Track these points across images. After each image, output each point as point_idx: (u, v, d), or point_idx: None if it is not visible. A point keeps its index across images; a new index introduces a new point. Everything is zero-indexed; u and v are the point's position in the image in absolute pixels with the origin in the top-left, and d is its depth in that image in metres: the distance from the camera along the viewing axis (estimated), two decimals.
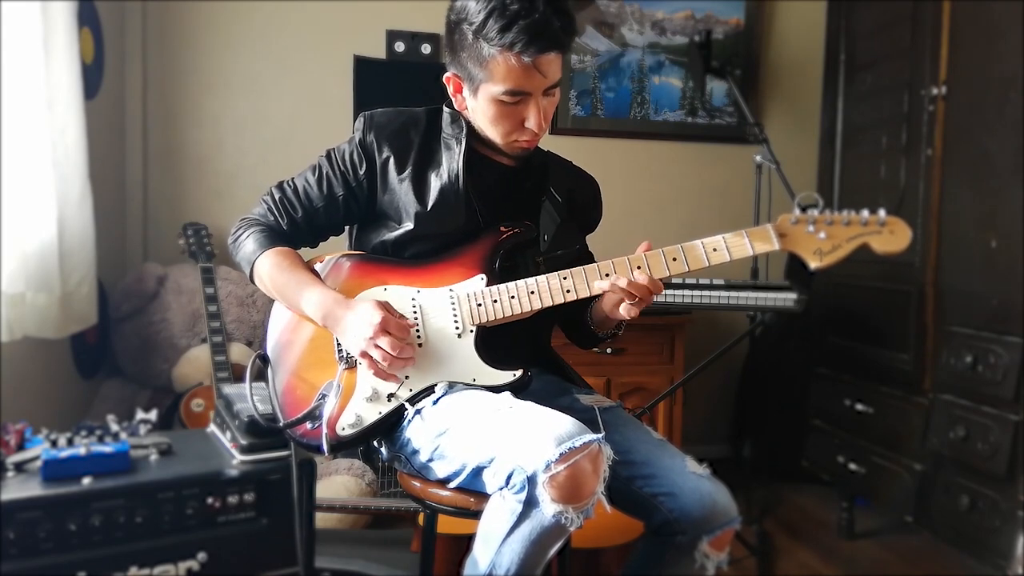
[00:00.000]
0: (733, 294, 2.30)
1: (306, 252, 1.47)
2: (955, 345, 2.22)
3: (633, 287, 1.26)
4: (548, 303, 1.32)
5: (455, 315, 1.35)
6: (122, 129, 2.80)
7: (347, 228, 1.52)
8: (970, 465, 2.12)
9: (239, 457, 1.43)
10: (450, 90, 1.41)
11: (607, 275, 1.30)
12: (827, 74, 3.01)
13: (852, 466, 2.56)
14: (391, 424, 1.33)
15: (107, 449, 1.35)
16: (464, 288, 1.36)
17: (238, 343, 2.58)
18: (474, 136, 1.42)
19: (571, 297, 1.31)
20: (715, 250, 1.27)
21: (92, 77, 2.48)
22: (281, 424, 1.34)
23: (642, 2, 3.19)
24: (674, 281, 2.27)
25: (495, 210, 1.42)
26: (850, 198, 2.82)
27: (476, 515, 1.22)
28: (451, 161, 1.39)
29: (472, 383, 1.32)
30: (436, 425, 1.27)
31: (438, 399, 1.30)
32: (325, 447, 1.30)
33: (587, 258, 1.49)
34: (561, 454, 1.10)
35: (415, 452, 1.31)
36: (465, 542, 1.24)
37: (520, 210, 1.44)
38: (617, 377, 2.69)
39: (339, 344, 1.36)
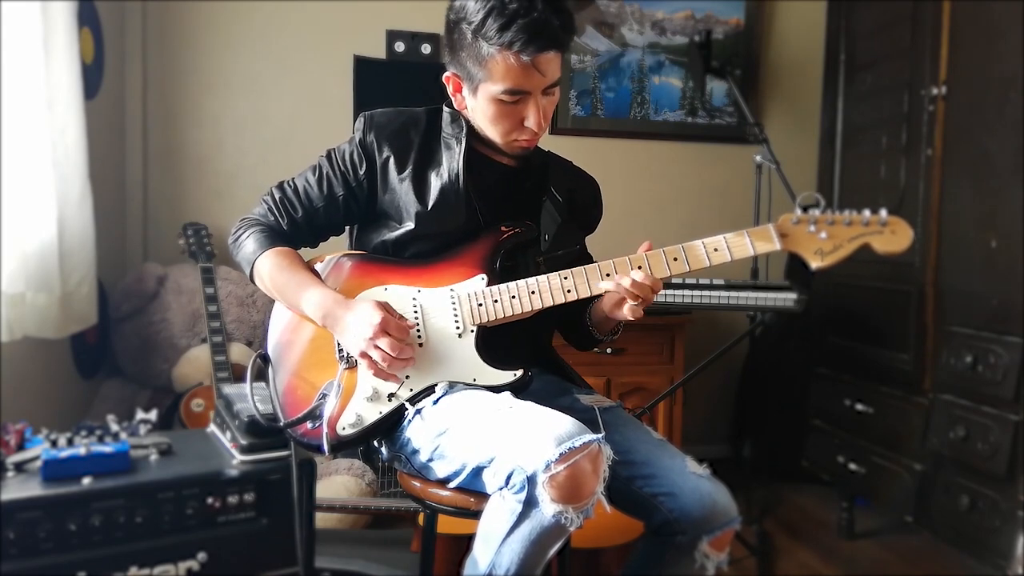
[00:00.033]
0: (733, 294, 2.30)
1: (306, 252, 1.47)
2: (955, 345, 2.22)
3: (636, 287, 1.26)
4: (549, 303, 1.32)
5: (456, 315, 1.35)
6: (122, 129, 2.80)
7: (347, 228, 1.52)
8: (970, 465, 2.12)
9: (239, 457, 1.43)
10: (450, 89, 1.41)
11: (608, 275, 1.30)
12: (827, 74, 3.01)
13: (852, 466, 2.56)
14: (391, 424, 1.33)
15: (107, 449, 1.35)
16: (465, 288, 1.36)
17: (238, 343, 2.58)
18: (474, 136, 1.42)
19: (572, 297, 1.31)
20: (716, 250, 1.27)
21: (92, 77, 2.48)
22: (282, 424, 1.34)
23: (642, 2, 3.19)
24: (674, 281, 2.27)
25: (495, 210, 1.42)
26: (850, 198, 2.82)
27: (476, 515, 1.22)
28: (451, 161, 1.39)
29: (472, 383, 1.32)
30: (436, 425, 1.27)
31: (438, 399, 1.30)
32: (325, 447, 1.30)
33: (586, 259, 1.49)
34: (561, 454, 1.10)
35: (415, 452, 1.31)
36: (465, 542, 1.24)
37: (520, 210, 1.44)
38: (617, 377, 2.69)
39: (340, 344, 1.36)
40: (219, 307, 2.53)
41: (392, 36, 2.95)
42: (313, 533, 1.49)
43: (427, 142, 1.42)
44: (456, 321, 1.35)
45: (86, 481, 1.30)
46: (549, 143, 1.52)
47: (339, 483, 2.31)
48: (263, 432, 1.43)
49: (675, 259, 1.28)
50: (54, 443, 1.38)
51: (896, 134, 2.55)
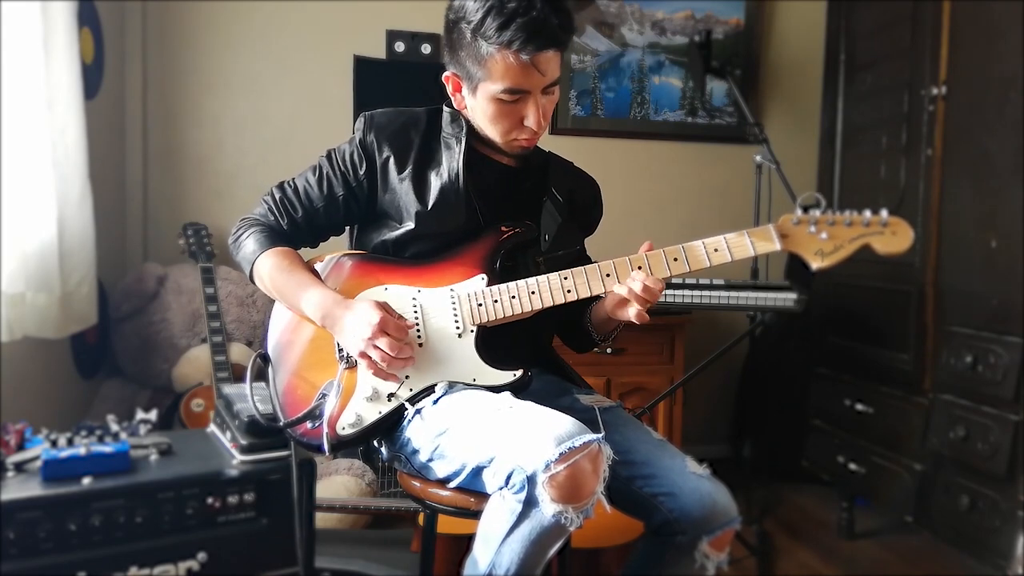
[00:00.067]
0: (733, 294, 2.30)
1: (306, 252, 1.47)
2: (955, 345, 2.22)
3: (647, 292, 1.26)
4: (549, 303, 1.32)
5: (456, 315, 1.35)
6: (122, 129, 2.80)
7: (347, 228, 1.52)
8: (970, 465, 2.12)
9: (239, 457, 1.43)
10: (449, 89, 1.41)
11: (608, 275, 1.30)
12: (827, 74, 3.01)
13: (852, 466, 2.56)
14: (391, 424, 1.33)
15: (107, 449, 1.35)
16: (465, 288, 1.36)
17: (238, 343, 2.58)
18: (474, 135, 1.42)
19: (572, 297, 1.31)
20: (716, 250, 1.27)
21: (92, 77, 2.48)
22: (281, 423, 1.34)
23: (642, 2, 3.19)
24: (674, 281, 2.27)
25: (495, 209, 1.42)
26: (850, 198, 2.82)
27: (476, 515, 1.22)
28: (451, 160, 1.39)
29: (472, 383, 1.32)
30: (436, 425, 1.27)
31: (438, 399, 1.30)
32: (325, 446, 1.30)
33: (586, 260, 1.49)
34: (561, 454, 1.10)
35: (415, 452, 1.31)
36: (465, 542, 1.24)
37: (520, 210, 1.44)
38: (617, 377, 2.69)
39: (339, 344, 1.36)
40: (219, 307, 2.53)
41: (392, 36, 2.95)
42: (313, 533, 1.49)
43: (427, 142, 1.42)
44: (456, 321, 1.35)
45: (86, 481, 1.30)
46: (549, 143, 1.52)
47: (339, 483, 2.31)
48: (263, 432, 1.43)
49: (675, 259, 1.28)
50: (54, 443, 1.38)
51: (896, 134, 2.55)
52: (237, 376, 2.44)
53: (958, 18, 2.30)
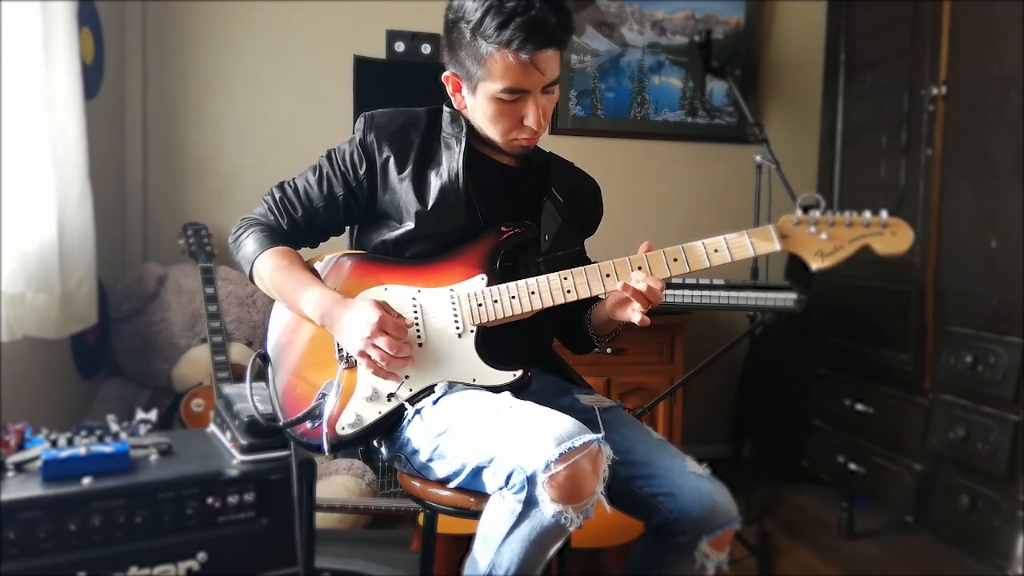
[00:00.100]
0: (733, 294, 2.30)
1: (306, 252, 1.47)
2: (955, 345, 2.22)
3: (651, 292, 1.25)
4: (549, 303, 1.32)
5: (455, 315, 1.35)
6: (122, 129, 2.80)
7: (348, 228, 1.52)
8: (970, 465, 2.12)
9: (239, 457, 1.43)
10: (449, 89, 1.41)
11: (608, 275, 1.30)
12: (827, 74, 3.01)
13: (852, 466, 2.56)
14: (391, 424, 1.33)
15: (107, 449, 1.35)
16: (465, 288, 1.36)
17: (238, 343, 2.58)
18: (474, 135, 1.42)
19: (572, 297, 1.31)
20: (716, 251, 1.27)
21: (92, 77, 2.48)
22: (281, 423, 1.34)
23: (642, 2, 3.19)
24: (674, 281, 2.27)
25: (495, 209, 1.42)
26: (850, 198, 2.82)
27: (476, 515, 1.22)
28: (451, 160, 1.39)
29: (472, 383, 1.32)
30: (436, 425, 1.27)
31: (438, 399, 1.30)
32: (325, 446, 1.30)
33: (586, 261, 1.49)
34: (561, 454, 1.10)
35: (415, 452, 1.31)
36: (465, 542, 1.24)
37: (520, 210, 1.44)
38: (617, 377, 2.69)
39: (339, 343, 1.36)
40: (219, 307, 2.53)
41: (392, 36, 2.95)
42: (313, 533, 1.49)
43: (427, 142, 1.42)
44: (456, 321, 1.35)
45: (86, 481, 1.30)
46: (549, 143, 1.52)
47: (339, 483, 2.31)
48: (263, 432, 1.43)
49: (675, 260, 1.28)
50: (54, 443, 1.38)
51: (896, 134, 2.55)
52: (237, 376, 2.44)
53: (958, 18, 2.30)
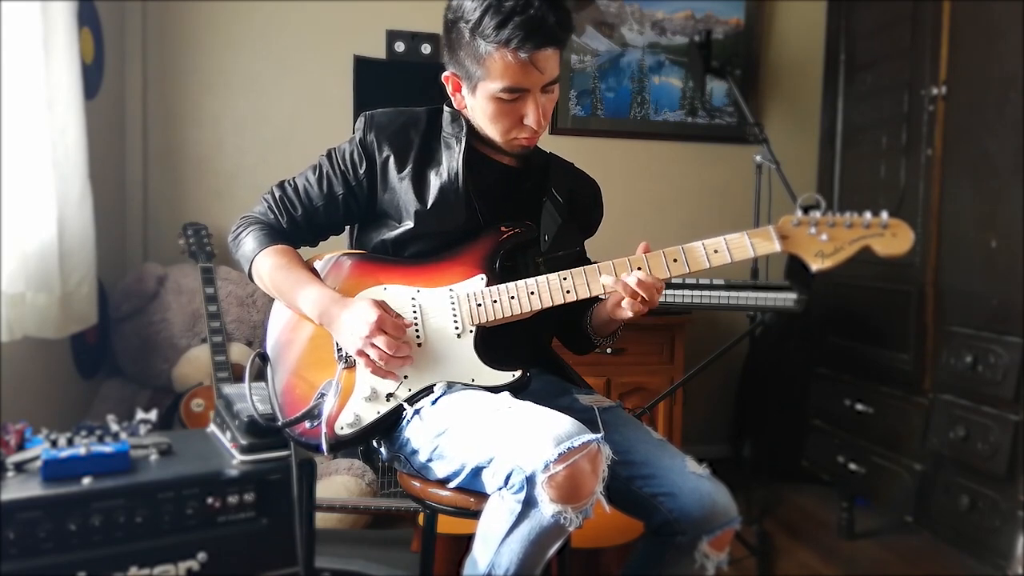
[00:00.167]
0: (733, 294, 2.30)
1: (306, 251, 1.47)
2: (955, 345, 2.22)
3: (641, 286, 1.26)
4: (548, 303, 1.32)
5: (455, 315, 1.35)
6: (122, 129, 2.80)
7: (347, 227, 1.52)
8: (970, 465, 2.12)
9: (239, 457, 1.43)
10: (449, 89, 1.41)
11: (608, 276, 1.30)
12: (827, 74, 3.01)
13: (852, 466, 2.56)
14: (390, 424, 1.33)
15: (107, 449, 1.35)
16: (464, 288, 1.36)
17: (238, 343, 2.58)
18: (474, 135, 1.42)
19: (571, 298, 1.31)
20: (716, 251, 1.27)
21: (92, 77, 2.48)
22: (280, 423, 1.34)
23: (642, 2, 3.19)
24: (674, 281, 2.27)
25: (495, 209, 1.42)
26: (850, 198, 2.82)
27: (476, 515, 1.22)
28: (451, 160, 1.39)
29: (471, 383, 1.32)
30: (435, 425, 1.27)
31: (437, 399, 1.30)
32: (324, 446, 1.30)
33: (586, 261, 1.49)
34: (560, 454, 1.10)
35: (414, 452, 1.31)
36: (465, 542, 1.24)
37: (520, 210, 1.44)
38: (617, 377, 2.69)
39: (338, 343, 1.36)
40: (219, 307, 2.53)
41: (392, 36, 2.95)
42: (313, 533, 1.49)
43: (427, 142, 1.42)
44: (455, 321, 1.35)
45: (86, 481, 1.30)
46: (549, 143, 1.52)
47: (339, 483, 2.31)
48: (263, 432, 1.43)
49: (675, 260, 1.29)
50: (54, 443, 1.38)
51: (896, 134, 2.55)
52: (237, 376, 2.44)
53: (958, 18, 2.30)
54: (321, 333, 1.37)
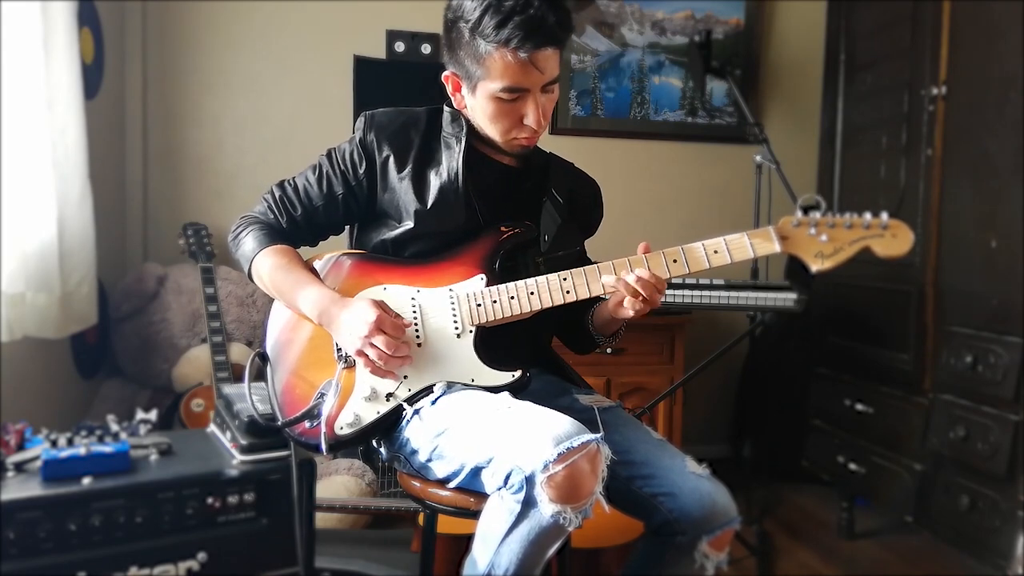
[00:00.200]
0: (733, 294, 2.30)
1: (306, 251, 1.47)
2: (955, 345, 2.22)
3: (640, 283, 1.26)
4: (548, 304, 1.32)
5: (454, 315, 1.35)
6: (122, 129, 2.80)
7: (347, 227, 1.52)
8: (970, 465, 2.12)
9: (239, 457, 1.43)
10: (449, 89, 1.41)
11: (607, 276, 1.30)
12: (827, 74, 3.01)
13: (852, 466, 2.56)
14: (390, 424, 1.33)
15: (107, 449, 1.35)
16: (464, 288, 1.36)
17: (238, 343, 2.58)
18: (474, 135, 1.42)
19: (571, 298, 1.31)
20: (716, 252, 1.27)
21: (92, 77, 2.48)
22: (280, 423, 1.34)
23: (642, 2, 3.19)
24: (674, 281, 2.27)
25: (495, 209, 1.42)
26: (850, 198, 2.82)
27: (476, 515, 1.22)
28: (451, 160, 1.39)
29: (471, 383, 1.32)
30: (435, 425, 1.27)
31: (436, 399, 1.30)
32: (323, 446, 1.30)
33: (586, 261, 1.49)
34: (559, 454, 1.10)
35: (414, 452, 1.31)
36: (465, 542, 1.24)
37: (520, 210, 1.44)
38: (617, 377, 2.69)
39: (338, 343, 1.36)
40: (219, 307, 2.53)
41: (392, 36, 2.95)
42: (313, 533, 1.49)
43: (427, 141, 1.42)
44: (455, 321, 1.35)
45: (86, 481, 1.30)
46: (549, 143, 1.52)
47: (339, 483, 2.31)
48: (263, 432, 1.43)
49: (675, 261, 1.29)
50: (54, 443, 1.38)
51: (896, 134, 2.55)
52: (237, 376, 2.44)
53: (958, 18, 2.30)
54: (321, 333, 1.37)
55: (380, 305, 1.30)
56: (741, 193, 2.98)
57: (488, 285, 1.35)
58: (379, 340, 1.27)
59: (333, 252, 1.46)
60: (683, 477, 1.28)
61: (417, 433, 1.29)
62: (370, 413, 1.31)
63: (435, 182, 1.39)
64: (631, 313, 1.30)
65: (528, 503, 1.12)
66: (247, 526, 1.40)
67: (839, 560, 2.49)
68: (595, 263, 1.33)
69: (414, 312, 1.36)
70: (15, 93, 1.93)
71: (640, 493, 1.29)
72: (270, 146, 2.92)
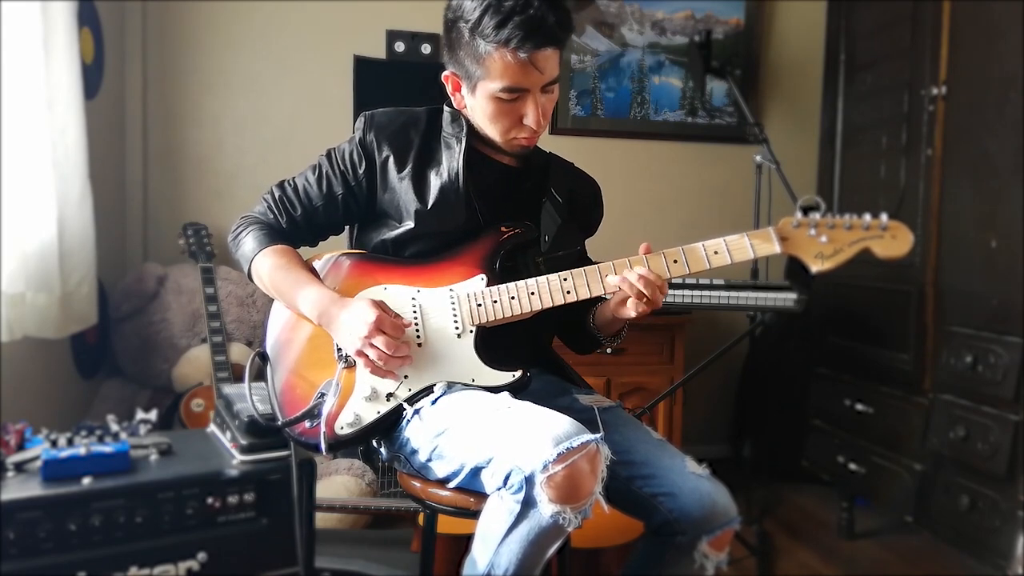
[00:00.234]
0: (733, 294, 2.30)
1: (306, 251, 1.47)
2: (955, 345, 2.22)
3: (643, 282, 1.26)
4: (548, 304, 1.32)
5: (455, 315, 1.35)
6: (122, 129, 2.80)
7: (347, 227, 1.52)
8: (970, 465, 2.12)
9: (239, 457, 1.43)
10: (449, 89, 1.41)
11: (607, 276, 1.30)
12: (827, 74, 3.01)
13: (852, 466, 2.56)
14: (390, 424, 1.33)
15: (107, 449, 1.35)
16: (464, 288, 1.36)
17: (238, 343, 2.58)
18: (474, 135, 1.42)
19: (571, 298, 1.31)
20: (716, 252, 1.27)
21: (92, 77, 2.48)
22: (280, 422, 1.34)
23: (642, 2, 3.19)
24: (674, 281, 2.27)
25: (495, 209, 1.42)
26: (850, 198, 2.82)
27: (476, 515, 1.22)
28: (451, 160, 1.40)
29: (471, 383, 1.32)
30: (435, 425, 1.27)
31: (436, 399, 1.30)
32: (323, 446, 1.30)
33: (586, 261, 1.49)
34: (559, 454, 1.10)
35: (414, 452, 1.31)
36: (465, 542, 1.24)
37: (520, 210, 1.44)
38: (617, 377, 2.69)
39: (338, 343, 1.36)
40: (219, 307, 2.53)
41: (392, 36, 2.95)
42: (313, 533, 1.49)
43: (427, 141, 1.42)
44: (455, 321, 1.35)
45: (86, 481, 1.30)
46: (549, 143, 1.52)
47: (339, 483, 2.31)
48: (263, 432, 1.43)
49: (675, 261, 1.29)
50: (54, 443, 1.38)
51: (896, 134, 2.55)
52: (237, 376, 2.44)
53: (958, 18, 2.30)
54: (321, 333, 1.37)
55: (380, 305, 1.30)
56: (741, 193, 2.98)
57: (488, 285, 1.35)
58: (379, 340, 1.27)
59: (333, 252, 1.46)
60: (683, 477, 1.28)
61: (417, 433, 1.29)
62: (370, 413, 1.31)
63: (435, 182, 1.39)
64: (633, 314, 1.30)
65: (528, 503, 1.12)
66: (247, 526, 1.40)
67: (839, 560, 2.49)
68: (595, 263, 1.33)
69: (414, 312, 1.36)
70: (15, 93, 1.93)
71: (640, 493, 1.29)
72: (270, 146, 2.92)
